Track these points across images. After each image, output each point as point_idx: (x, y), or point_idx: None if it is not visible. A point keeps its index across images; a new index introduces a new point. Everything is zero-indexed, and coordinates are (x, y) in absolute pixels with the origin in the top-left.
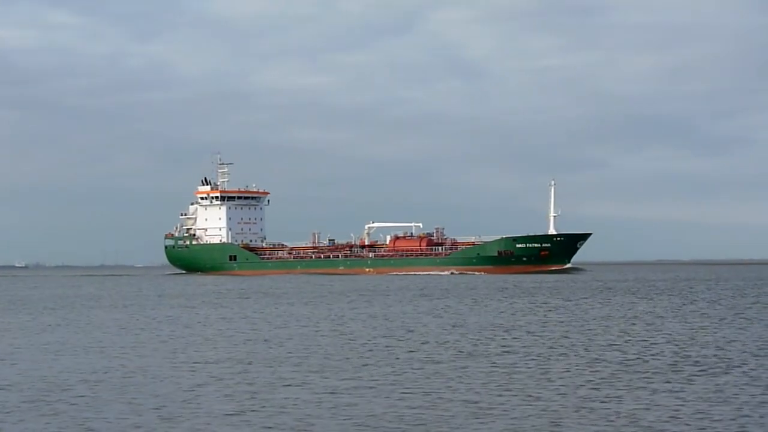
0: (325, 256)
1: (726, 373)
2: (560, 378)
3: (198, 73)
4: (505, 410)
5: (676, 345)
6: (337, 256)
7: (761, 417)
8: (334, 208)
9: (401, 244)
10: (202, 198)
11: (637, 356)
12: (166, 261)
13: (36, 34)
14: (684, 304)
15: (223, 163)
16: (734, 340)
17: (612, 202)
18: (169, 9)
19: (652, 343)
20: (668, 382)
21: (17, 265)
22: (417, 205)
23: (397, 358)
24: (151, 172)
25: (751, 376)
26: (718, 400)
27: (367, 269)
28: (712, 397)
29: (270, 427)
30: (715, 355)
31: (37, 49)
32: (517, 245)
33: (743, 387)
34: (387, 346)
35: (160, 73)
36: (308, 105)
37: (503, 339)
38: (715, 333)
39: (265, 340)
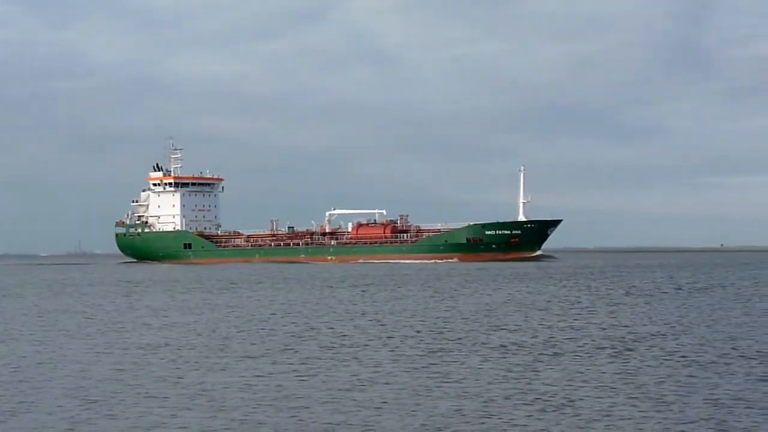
0: (285, 244)
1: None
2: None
3: (113, 61)
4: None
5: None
6: (298, 244)
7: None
8: (265, 196)
9: (364, 232)
10: (154, 184)
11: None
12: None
13: None
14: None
15: (176, 149)
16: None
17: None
18: None
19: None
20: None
21: None
22: (338, 194)
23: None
24: (67, 162)
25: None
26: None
27: (329, 257)
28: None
29: None
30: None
31: None
32: (487, 232)
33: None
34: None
35: (74, 60)
36: (224, 93)
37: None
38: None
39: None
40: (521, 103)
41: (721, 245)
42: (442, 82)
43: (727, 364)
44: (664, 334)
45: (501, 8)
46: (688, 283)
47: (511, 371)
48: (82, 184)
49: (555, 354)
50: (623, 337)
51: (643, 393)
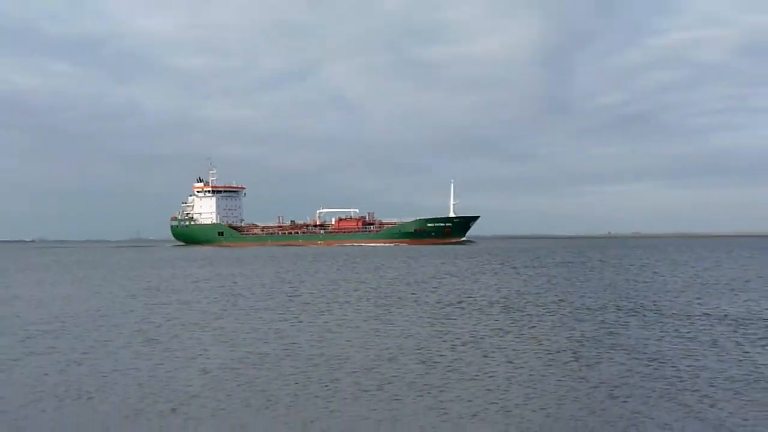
0: (288, 233)
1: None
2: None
3: (162, 107)
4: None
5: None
6: (297, 233)
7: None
8: (265, 199)
9: (343, 224)
10: (198, 192)
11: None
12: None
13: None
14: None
15: (213, 167)
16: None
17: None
18: (144, 62)
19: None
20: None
21: (26, 240)
22: (323, 198)
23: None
24: (127, 176)
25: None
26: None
27: (319, 242)
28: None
29: None
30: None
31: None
32: (428, 225)
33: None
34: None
35: (134, 107)
36: (240, 129)
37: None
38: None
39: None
40: (445, 136)
41: (609, 233)
42: (391, 121)
43: (580, 313)
44: (538, 293)
45: (433, 72)
46: (563, 260)
47: (435, 318)
48: (139, 191)
49: (462, 306)
50: (509, 297)
51: (523, 333)
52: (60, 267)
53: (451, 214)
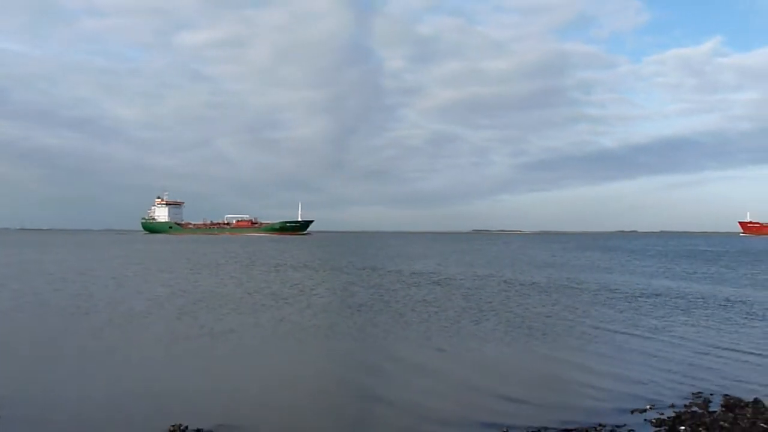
0: (208, 227)
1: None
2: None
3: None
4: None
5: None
6: (214, 227)
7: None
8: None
9: (240, 224)
10: (158, 204)
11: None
12: (137, 228)
13: None
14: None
15: (165, 191)
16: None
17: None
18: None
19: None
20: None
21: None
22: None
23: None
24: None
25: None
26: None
27: (226, 233)
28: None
29: None
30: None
31: None
32: (287, 224)
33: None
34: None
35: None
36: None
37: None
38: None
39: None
40: (282, 178)
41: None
42: (253, 170)
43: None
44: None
45: (273, 144)
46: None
47: (291, 285)
48: (116, 200)
49: (294, 267)
50: (342, 266)
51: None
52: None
53: (299, 219)
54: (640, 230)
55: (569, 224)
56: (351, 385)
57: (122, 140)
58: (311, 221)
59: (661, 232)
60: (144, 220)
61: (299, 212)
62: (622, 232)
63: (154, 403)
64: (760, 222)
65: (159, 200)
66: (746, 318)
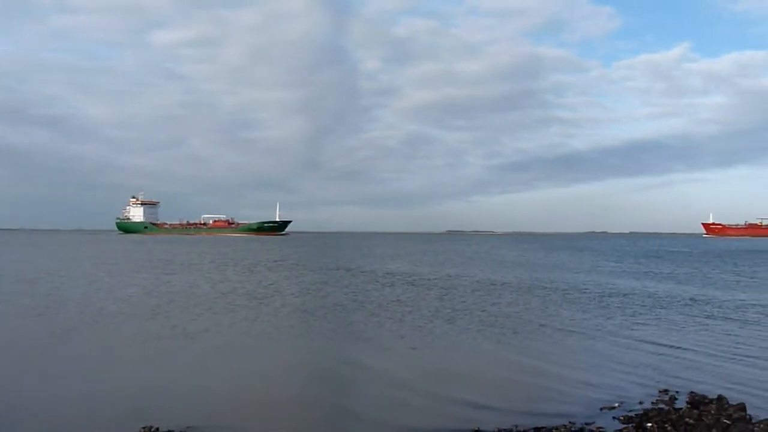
0: (185, 227)
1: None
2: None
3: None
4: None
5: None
6: (190, 227)
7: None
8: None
9: (217, 224)
10: (133, 204)
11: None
12: (110, 227)
13: None
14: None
15: (141, 189)
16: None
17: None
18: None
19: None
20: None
21: None
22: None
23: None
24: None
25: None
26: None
27: (203, 233)
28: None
29: None
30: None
31: None
32: (265, 224)
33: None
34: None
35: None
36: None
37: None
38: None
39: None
40: (256, 178)
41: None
42: (227, 170)
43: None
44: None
45: (250, 143)
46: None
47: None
48: (96, 203)
49: (272, 267)
50: (320, 265)
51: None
52: (57, 245)
53: (277, 219)
54: (610, 231)
55: (541, 225)
56: (324, 385)
57: (94, 139)
58: (289, 221)
59: (631, 233)
60: (119, 220)
61: (277, 212)
62: (593, 233)
63: (126, 405)
64: (722, 223)
65: (134, 200)
66: (709, 318)
